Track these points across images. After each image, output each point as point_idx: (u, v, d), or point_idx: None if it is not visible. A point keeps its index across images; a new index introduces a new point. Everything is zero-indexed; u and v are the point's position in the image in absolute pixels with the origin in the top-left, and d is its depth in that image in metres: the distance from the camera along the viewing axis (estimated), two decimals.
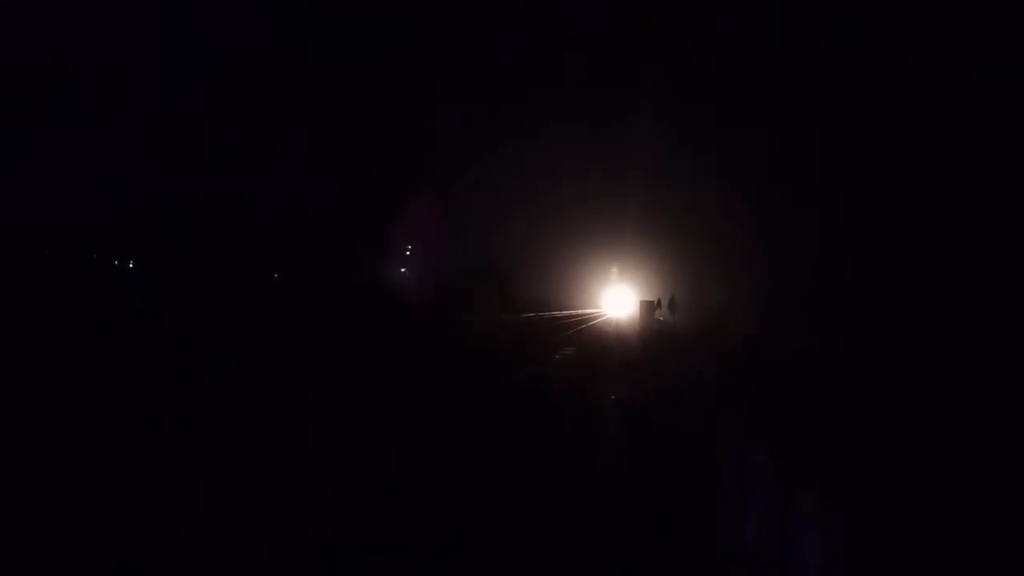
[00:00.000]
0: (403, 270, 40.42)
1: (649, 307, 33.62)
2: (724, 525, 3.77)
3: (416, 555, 3.56)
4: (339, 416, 7.08)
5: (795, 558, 2.95)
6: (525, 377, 11.31)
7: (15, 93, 25.55)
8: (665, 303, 31.87)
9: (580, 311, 53.69)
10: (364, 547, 3.61)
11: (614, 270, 63.59)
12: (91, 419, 6.20)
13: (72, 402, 6.82)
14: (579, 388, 9.86)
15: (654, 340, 15.92)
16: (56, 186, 26.62)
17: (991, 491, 4.19)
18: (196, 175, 29.14)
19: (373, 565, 3.38)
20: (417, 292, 31.04)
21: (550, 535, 3.85)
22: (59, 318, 13.26)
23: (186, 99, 30.89)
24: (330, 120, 39.38)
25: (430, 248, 38.25)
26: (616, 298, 61.09)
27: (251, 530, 3.79)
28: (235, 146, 30.45)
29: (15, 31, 26.54)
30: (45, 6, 28.70)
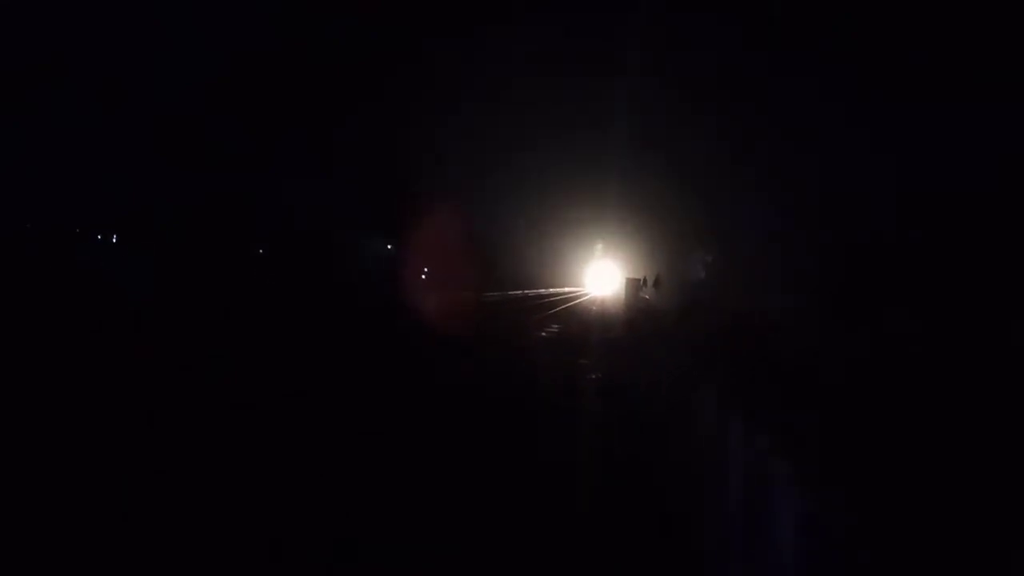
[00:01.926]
0: (391, 250, 40.15)
1: (635, 285, 33.74)
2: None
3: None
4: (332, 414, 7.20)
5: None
6: (512, 364, 11.37)
7: (15, 93, 24.98)
8: (650, 281, 32.08)
9: (563, 289, 53.48)
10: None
11: (599, 246, 59.73)
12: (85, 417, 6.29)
13: (71, 402, 6.86)
14: (566, 378, 9.83)
15: (641, 321, 15.85)
16: (56, 186, 26.19)
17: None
18: (196, 175, 28.73)
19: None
20: (406, 276, 30.97)
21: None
22: (58, 318, 13.20)
23: (186, 99, 30.33)
24: (330, 120, 38.93)
25: (422, 233, 38.14)
26: (601, 275, 57.98)
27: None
28: (235, 146, 29.95)
29: (15, 31, 25.84)
30: (45, 6, 27.91)
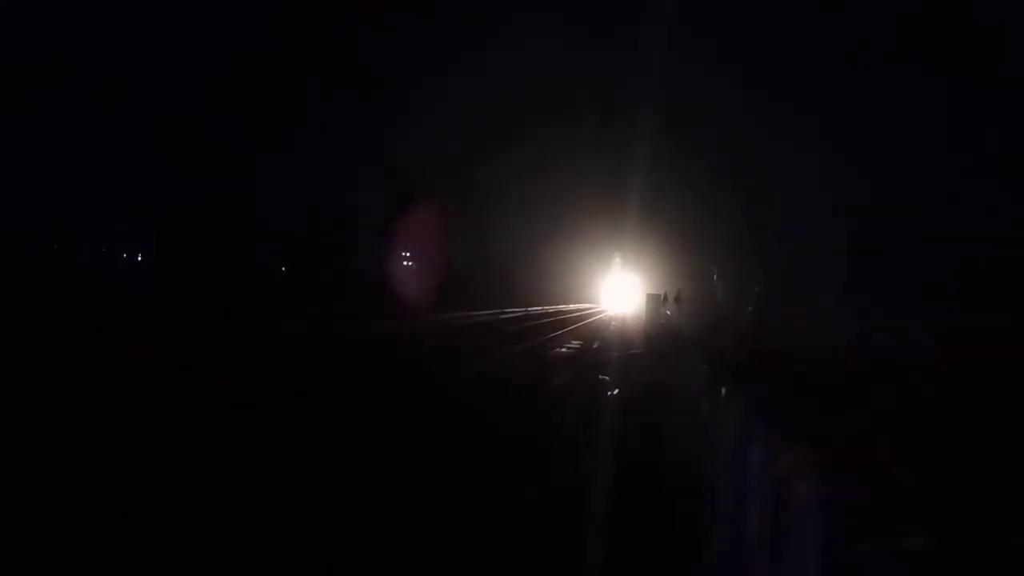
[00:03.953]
0: (409, 263, 39.93)
1: (656, 302, 33.03)
2: None
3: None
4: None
5: None
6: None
7: (15, 93, 25.29)
8: (671, 298, 31.37)
9: (572, 307, 51.95)
10: None
11: (616, 258, 55.18)
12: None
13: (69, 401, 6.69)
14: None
15: (666, 348, 14.25)
16: (56, 186, 26.35)
17: None
18: (196, 175, 28.75)
19: None
20: (417, 290, 30.65)
21: None
22: (58, 319, 13.08)
23: (186, 99, 30.60)
24: (329, 120, 39.35)
25: (430, 243, 37.90)
26: (619, 292, 52.58)
27: None
28: (235, 146, 30.03)
29: (15, 31, 26.24)
30: (45, 6, 28.39)
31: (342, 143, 39.09)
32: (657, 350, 14.76)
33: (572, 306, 51.41)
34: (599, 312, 43.81)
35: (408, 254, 38.09)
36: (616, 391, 9.24)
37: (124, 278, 22.36)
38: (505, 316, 30.28)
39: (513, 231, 53.32)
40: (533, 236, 54.77)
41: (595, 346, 17.12)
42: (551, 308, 44.29)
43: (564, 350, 15.76)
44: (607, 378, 10.50)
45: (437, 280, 33.76)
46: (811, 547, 2.38)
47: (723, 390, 4.22)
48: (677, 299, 30.04)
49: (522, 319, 29.42)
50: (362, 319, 20.04)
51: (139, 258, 30.47)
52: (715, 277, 33.15)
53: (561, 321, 29.16)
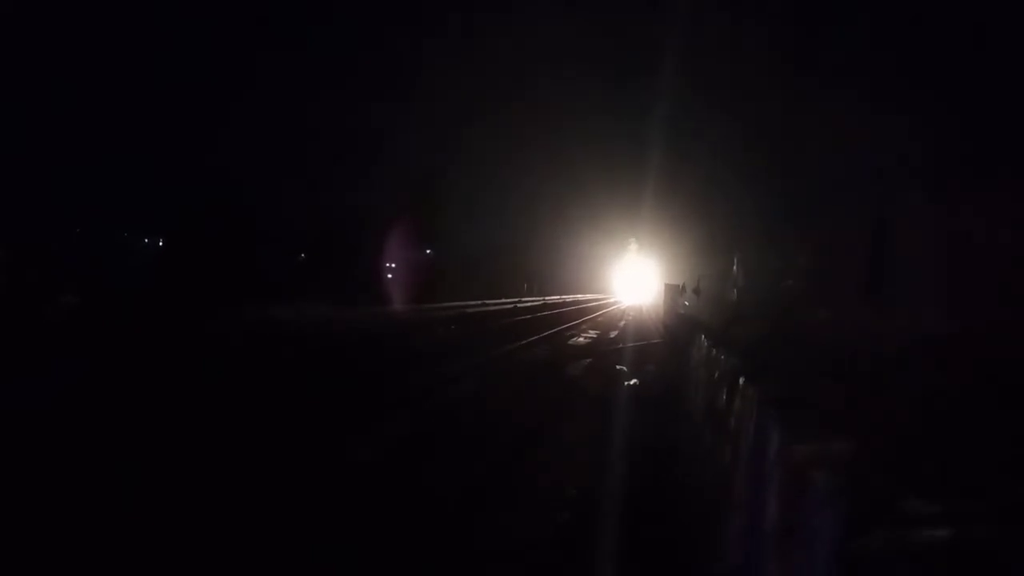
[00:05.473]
0: (428, 251, 39.64)
1: (674, 292, 32.55)
2: None
3: None
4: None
5: None
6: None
7: (15, 93, 25.52)
8: (690, 288, 30.96)
9: (590, 296, 50.93)
10: None
11: (632, 244, 49.17)
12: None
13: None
14: None
15: (685, 338, 13.75)
16: (55, 186, 26.53)
17: None
18: (196, 175, 28.83)
19: None
20: (425, 282, 30.60)
21: None
22: (56, 319, 13.29)
23: (186, 99, 30.71)
24: (329, 118, 39.43)
25: (438, 233, 37.66)
26: (634, 281, 48.34)
27: None
28: (235, 146, 30.04)
29: (15, 30, 26.45)
30: (45, 6, 28.56)
31: (345, 132, 39.09)
32: (675, 340, 14.67)
33: (587, 296, 51.00)
34: (614, 303, 43.21)
35: (418, 246, 37.80)
36: (634, 381, 9.22)
37: (123, 278, 22.49)
38: (523, 306, 30.26)
39: (524, 216, 51.88)
40: (544, 221, 53.05)
41: (612, 335, 17.22)
42: (568, 298, 44.08)
43: (582, 339, 15.86)
44: (624, 368, 10.49)
45: (447, 271, 33.60)
46: (826, 541, 2.32)
47: (742, 381, 4.17)
48: (696, 290, 29.62)
49: (540, 308, 29.39)
50: (371, 311, 20.17)
51: (147, 241, 30.72)
52: (734, 266, 32.54)
53: (578, 311, 29.08)
